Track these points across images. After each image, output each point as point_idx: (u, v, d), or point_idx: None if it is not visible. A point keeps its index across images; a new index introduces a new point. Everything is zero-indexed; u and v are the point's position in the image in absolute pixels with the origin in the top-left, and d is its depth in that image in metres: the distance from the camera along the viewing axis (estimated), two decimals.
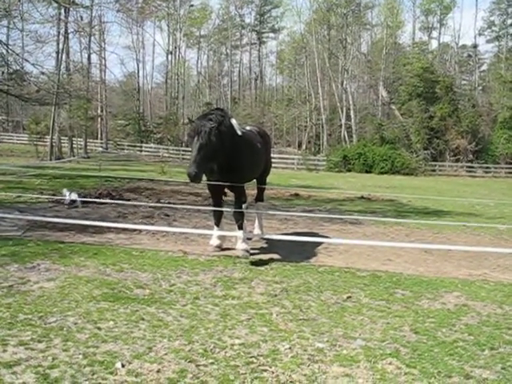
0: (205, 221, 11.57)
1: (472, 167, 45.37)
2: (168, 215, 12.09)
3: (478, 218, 14.30)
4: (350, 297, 6.30)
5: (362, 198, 18.00)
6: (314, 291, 6.47)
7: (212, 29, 73.05)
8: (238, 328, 5.14)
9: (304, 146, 57.11)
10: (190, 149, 7.89)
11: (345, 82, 54.49)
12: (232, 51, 75.66)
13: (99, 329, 4.93)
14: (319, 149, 54.82)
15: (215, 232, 8.76)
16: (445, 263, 8.69)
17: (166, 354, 4.47)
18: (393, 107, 52.87)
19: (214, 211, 8.88)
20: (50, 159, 33.62)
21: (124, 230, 9.59)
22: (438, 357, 4.70)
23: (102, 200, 12.69)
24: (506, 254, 9.16)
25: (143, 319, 5.23)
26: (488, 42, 75.44)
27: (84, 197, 13.20)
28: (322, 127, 54.15)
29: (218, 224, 8.82)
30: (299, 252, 8.79)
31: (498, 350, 4.93)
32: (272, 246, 9.22)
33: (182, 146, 53.64)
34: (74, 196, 12.71)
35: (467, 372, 4.42)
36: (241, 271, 7.26)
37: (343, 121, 52.02)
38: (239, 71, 78.62)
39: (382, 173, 40.14)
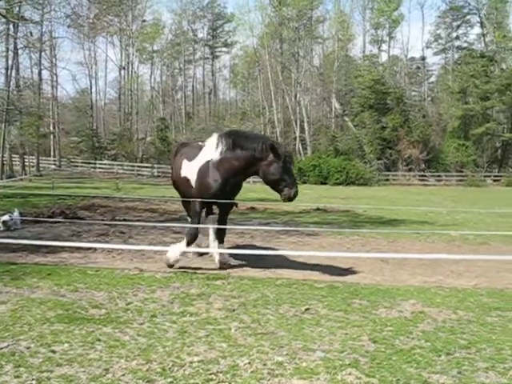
0: (161, 237, 11.48)
1: (424, 176, 46.38)
2: (123, 232, 11.94)
3: (431, 225, 14.59)
4: (308, 309, 6.30)
5: (318, 209, 18.15)
6: (272, 304, 6.45)
7: (165, 44, 72.89)
8: (196, 345, 5.07)
9: None
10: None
11: (298, 95, 55.06)
12: (185, 66, 75.67)
13: (53, 352, 4.78)
14: None
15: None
16: (400, 271, 8.81)
17: (123, 375, 4.37)
18: (346, 119, 53.66)
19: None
20: (1, 178, 32.87)
21: (78, 248, 9.41)
22: (397, 365, 4.73)
23: (55, 219, 12.44)
24: (459, 260, 9.34)
25: (99, 340, 5.11)
26: (435, 54, 77.66)
27: (37, 216, 12.89)
28: (277, 140, 54.48)
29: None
30: (256, 265, 8.78)
31: (454, 355, 5.00)
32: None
33: (136, 162, 53.13)
34: (6, 217, 11.85)
35: (425, 378, 4.46)
36: (198, 287, 7.20)
37: (297, 133, 52.50)
38: (193, 86, 78.64)
39: (337, 184, 40.61)
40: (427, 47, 76.19)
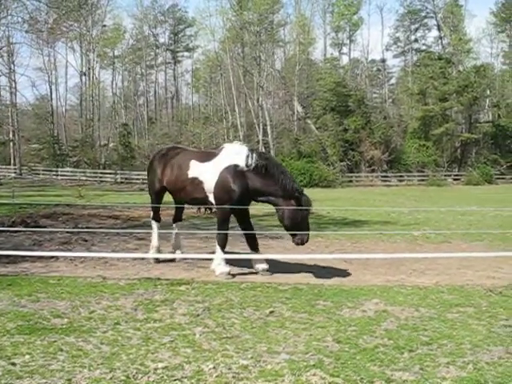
0: (124, 244, 11.38)
1: (386, 176, 47.00)
2: (86, 240, 11.78)
3: (393, 225, 14.80)
4: (272, 311, 6.33)
5: None
6: (236, 308, 6.46)
7: (126, 49, 72.35)
8: (160, 351, 5.04)
9: None
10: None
11: (260, 99, 55.21)
12: (147, 71, 75.27)
13: (13, 364, 4.67)
14: None
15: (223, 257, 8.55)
16: (364, 271, 8.92)
17: None
18: (308, 122, 54.01)
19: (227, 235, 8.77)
20: None
21: (40, 258, 9.26)
22: (361, 364, 4.79)
23: (15, 228, 12.21)
24: (420, 258, 9.51)
25: (62, 350, 5.03)
26: (395, 56, 79.12)
27: None
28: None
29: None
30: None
31: (416, 352, 5.09)
32: (193, 265, 9.17)
33: (99, 169, 52.53)
34: None
35: (388, 376, 4.53)
36: (162, 293, 7.15)
37: (260, 137, 52.63)
38: (155, 91, 78.21)
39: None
40: (387, 50, 77.64)
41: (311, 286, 7.70)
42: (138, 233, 11.96)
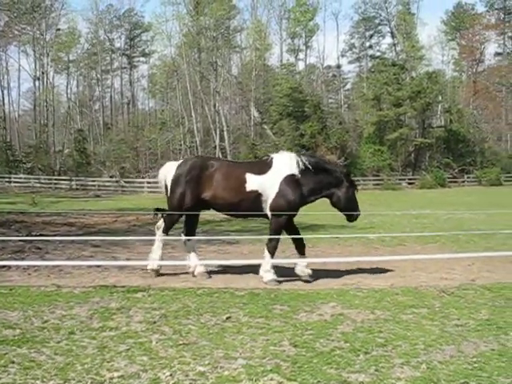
0: (79, 251, 11.20)
1: None
2: (40, 248, 11.54)
3: (349, 229, 14.89)
4: (229, 317, 6.31)
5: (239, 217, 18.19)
6: (193, 315, 6.42)
7: (81, 53, 71.32)
8: (116, 360, 4.97)
9: None
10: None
11: (217, 104, 55.22)
12: (103, 76, 74.36)
13: None
14: None
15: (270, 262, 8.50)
16: (320, 275, 8.99)
17: None
18: (265, 127, 54.28)
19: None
20: None
21: None
22: (317, 367, 4.83)
23: None
24: (376, 261, 9.63)
25: (13, 362, 4.90)
26: (350, 62, 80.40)
27: None
28: (197, 149, 54.37)
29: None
30: (178, 276, 8.73)
31: (372, 354, 5.16)
32: (149, 272, 9.08)
33: (54, 175, 51.57)
34: None
35: (344, 378, 4.58)
36: (118, 301, 7.06)
37: (217, 142, 52.60)
38: (111, 96, 77.32)
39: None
40: (342, 56, 78.85)
41: (268, 290, 7.72)
42: (94, 240, 11.79)
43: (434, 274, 9.13)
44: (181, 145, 58.42)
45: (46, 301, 7.06)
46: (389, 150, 51.80)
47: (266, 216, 8.79)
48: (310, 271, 8.60)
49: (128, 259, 10.07)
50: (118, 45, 76.75)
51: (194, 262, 8.86)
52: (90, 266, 9.32)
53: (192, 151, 56.85)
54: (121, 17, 75.30)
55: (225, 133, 52.56)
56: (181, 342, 5.46)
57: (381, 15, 72.04)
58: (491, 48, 74.89)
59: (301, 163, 8.55)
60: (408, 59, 61.71)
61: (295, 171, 8.50)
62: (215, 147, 53.11)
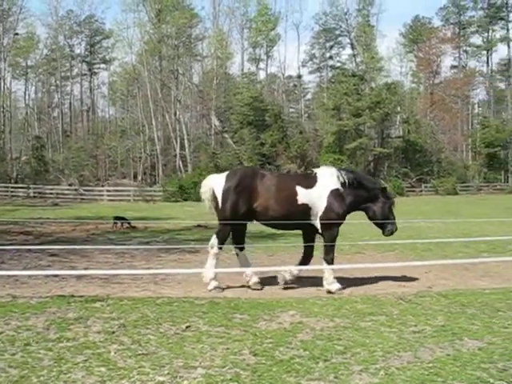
0: (36, 260, 10.98)
1: None
2: None
3: None
4: (189, 326, 6.28)
5: (199, 226, 18.16)
6: (152, 324, 6.36)
7: (40, 59, 70.00)
8: (73, 371, 4.89)
9: (140, 178, 56.46)
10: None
11: (178, 113, 54.99)
12: (62, 82, 73.08)
13: None
14: (155, 179, 54.57)
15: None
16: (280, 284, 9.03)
17: None
18: (226, 136, 54.26)
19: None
20: None
21: None
22: (277, 375, 4.84)
23: None
24: (335, 269, 9.70)
25: None
26: (311, 72, 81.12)
27: None
28: (157, 158, 54.02)
29: None
30: (137, 285, 8.65)
31: (331, 361, 5.21)
32: (108, 281, 8.97)
33: (10, 183, 50.42)
34: None
35: None
36: (76, 311, 6.94)
37: (178, 150, 52.34)
38: (70, 103, 76.09)
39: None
40: (303, 66, 79.46)
41: (228, 299, 7.71)
42: (51, 249, 11.59)
43: (392, 281, 9.27)
44: (141, 153, 57.92)
45: (1, 312, 6.88)
46: (348, 160, 52.32)
47: (309, 227, 8.93)
48: (290, 278, 8.84)
49: (86, 268, 9.93)
50: (78, 51, 75.79)
51: (250, 272, 8.81)
52: (47, 276, 9.15)
53: (153, 159, 56.45)
54: (81, 23, 74.32)
55: (185, 141, 52.32)
56: (140, 352, 5.40)
57: (341, 26, 72.92)
58: (447, 61, 76.64)
59: (341, 178, 8.84)
60: (367, 70, 62.61)
61: (339, 186, 8.80)
62: (175, 155, 52.83)
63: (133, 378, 4.74)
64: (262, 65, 76.07)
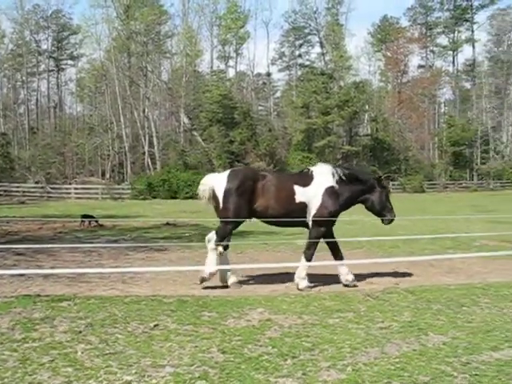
0: (1, 260, 10.78)
1: None
2: None
3: (278, 235, 15.06)
4: (157, 325, 6.24)
5: (168, 224, 18.09)
6: (120, 323, 6.31)
7: (5, 54, 68.70)
8: (39, 372, 4.80)
9: (108, 175, 55.92)
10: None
11: (146, 110, 54.59)
12: (28, 78, 71.81)
13: None
14: (123, 177, 54.08)
15: None
16: (249, 281, 9.04)
17: None
18: (195, 133, 54.06)
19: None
20: None
21: None
22: (245, 373, 4.84)
23: None
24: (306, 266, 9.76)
25: None
26: (280, 70, 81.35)
27: None
28: (126, 155, 53.56)
29: None
30: (105, 284, 8.57)
31: (299, 358, 5.23)
32: (75, 280, 8.87)
33: None
34: None
35: (272, 383, 4.62)
36: (42, 310, 6.83)
37: (146, 148, 51.98)
38: (37, 99, 74.74)
39: (187, 198, 40.58)
40: (272, 64, 79.62)
41: (196, 297, 7.68)
42: (17, 248, 11.40)
43: (359, 278, 9.35)
44: (109, 150, 57.32)
45: None
46: (317, 157, 52.54)
47: (306, 225, 9.07)
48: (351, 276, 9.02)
49: (53, 267, 9.79)
50: (44, 46, 74.39)
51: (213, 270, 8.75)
52: (12, 275, 8.99)
53: (121, 157, 55.93)
54: (48, 18, 73.06)
55: (154, 139, 51.99)
56: (107, 352, 5.35)
57: (310, 25, 73.26)
58: (414, 60, 77.71)
59: (336, 175, 8.99)
60: (336, 69, 63.11)
61: (334, 184, 8.94)
62: (144, 153, 52.45)
63: (100, 378, 4.69)
64: (231, 62, 76.04)
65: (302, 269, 8.70)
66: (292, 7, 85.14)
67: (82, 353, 5.31)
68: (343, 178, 9.00)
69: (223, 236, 8.76)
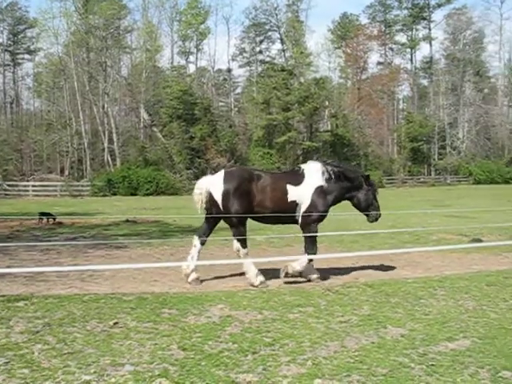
0: None
1: None
2: None
3: None
4: (116, 323, 6.17)
5: (128, 221, 17.92)
6: (78, 322, 6.21)
7: None
8: None
9: (67, 172, 55.03)
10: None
11: (106, 106, 53.87)
12: None
13: None
14: (83, 174, 53.29)
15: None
16: (210, 278, 9.03)
17: None
18: (155, 129, 53.61)
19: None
20: None
21: None
22: (206, 369, 4.84)
23: None
24: (265, 262, 9.78)
25: None
26: (240, 66, 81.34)
27: None
28: (85, 152, 52.77)
29: None
30: (63, 283, 8.44)
31: (260, 353, 5.25)
32: (33, 279, 8.70)
33: None
34: None
35: (232, 379, 4.63)
36: None
37: (106, 144, 51.35)
38: None
39: (147, 194, 40.33)
40: (233, 60, 79.61)
41: (156, 294, 7.62)
42: None
43: (320, 273, 9.42)
44: (68, 147, 56.37)
45: None
46: (278, 153, 52.87)
47: (295, 222, 9.20)
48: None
49: (9, 267, 9.59)
50: (0, 40, 72.70)
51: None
52: None
53: (80, 153, 55.06)
54: (2, 10, 71.03)
55: (114, 135, 51.36)
56: (65, 352, 5.26)
57: (271, 21, 73.50)
58: (374, 57, 78.83)
59: (326, 173, 9.13)
60: (297, 65, 63.40)
61: (323, 183, 9.08)
62: (104, 149, 51.78)
63: (58, 379, 4.61)
64: (191, 58, 75.80)
65: (307, 267, 8.86)
66: (253, 3, 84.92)
67: (39, 353, 5.21)
68: (332, 176, 9.15)
69: (241, 235, 8.87)
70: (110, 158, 50.83)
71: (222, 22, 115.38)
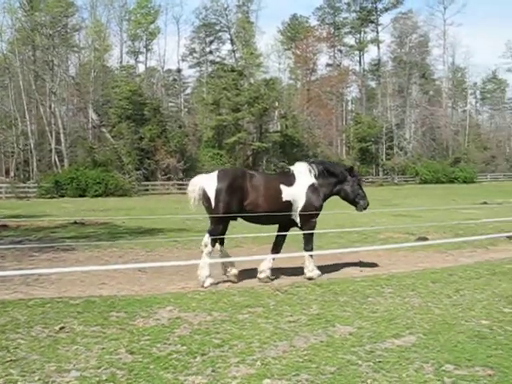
0: None
1: (182, 184, 47.54)
2: None
3: (188, 232, 15.04)
4: (63, 327, 6.06)
5: (76, 223, 17.58)
6: (22, 328, 6.06)
7: None
8: None
9: (12, 174, 53.56)
10: None
11: (53, 106, 52.71)
12: None
13: None
14: (29, 175, 51.95)
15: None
16: (158, 280, 8.96)
17: None
18: (103, 130, 52.75)
19: None
20: None
21: None
22: (154, 372, 4.81)
23: None
24: (213, 263, 9.76)
25: None
26: (190, 67, 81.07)
27: None
28: (31, 152, 51.48)
29: None
30: (7, 287, 8.21)
31: (209, 355, 5.25)
32: None
33: None
34: None
35: (181, 381, 4.63)
36: None
37: (53, 145, 50.23)
38: None
39: (96, 196, 39.64)
40: (183, 60, 79.25)
41: (104, 297, 7.52)
42: None
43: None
44: (13, 147, 54.88)
45: None
46: (227, 154, 52.85)
47: (292, 221, 9.45)
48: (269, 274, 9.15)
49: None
50: None
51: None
52: None
53: (26, 154, 53.70)
54: None
55: (61, 135, 50.31)
56: (8, 359, 5.13)
57: (221, 22, 73.40)
58: (323, 59, 79.62)
59: (312, 172, 9.46)
60: (247, 66, 63.53)
61: (313, 181, 9.41)
62: (51, 150, 50.64)
63: None
64: (141, 58, 75.05)
65: (308, 263, 9.21)
66: (203, 3, 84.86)
67: None
68: (319, 173, 9.47)
69: (216, 235, 8.87)
70: (57, 159, 49.74)
71: (172, 21, 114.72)
